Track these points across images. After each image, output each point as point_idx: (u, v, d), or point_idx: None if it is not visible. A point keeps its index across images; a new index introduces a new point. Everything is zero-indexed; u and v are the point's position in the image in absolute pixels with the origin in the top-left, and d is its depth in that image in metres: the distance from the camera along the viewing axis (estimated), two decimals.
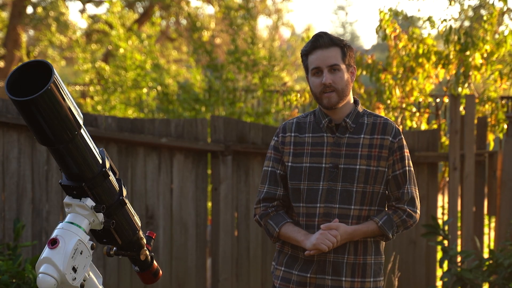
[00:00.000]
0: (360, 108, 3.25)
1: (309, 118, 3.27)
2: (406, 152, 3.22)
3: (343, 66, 3.16)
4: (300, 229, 3.17)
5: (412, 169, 3.24)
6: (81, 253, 2.34)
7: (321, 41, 3.16)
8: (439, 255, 6.31)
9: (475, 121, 6.62)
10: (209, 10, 23.60)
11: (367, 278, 3.19)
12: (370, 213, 3.18)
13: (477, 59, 6.89)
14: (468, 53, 6.86)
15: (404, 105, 7.22)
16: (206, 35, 10.86)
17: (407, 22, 7.89)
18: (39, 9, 17.44)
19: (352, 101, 3.24)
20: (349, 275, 3.16)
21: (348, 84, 3.18)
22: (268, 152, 3.30)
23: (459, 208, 6.53)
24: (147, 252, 2.64)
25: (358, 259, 3.17)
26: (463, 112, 6.59)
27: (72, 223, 2.37)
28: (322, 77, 3.14)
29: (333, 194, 3.14)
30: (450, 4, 9.41)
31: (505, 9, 7.89)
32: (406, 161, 3.21)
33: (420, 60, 7.03)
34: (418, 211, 3.23)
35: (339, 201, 3.14)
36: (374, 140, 3.17)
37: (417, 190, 3.24)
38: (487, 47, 6.89)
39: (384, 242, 3.26)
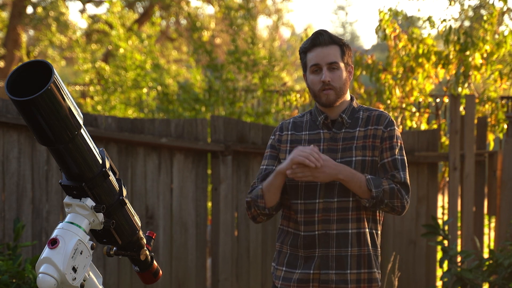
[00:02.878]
0: (355, 103, 3.26)
1: (305, 117, 3.29)
2: (399, 142, 3.19)
3: (342, 65, 3.17)
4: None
5: (404, 158, 3.19)
6: (81, 253, 2.34)
7: (321, 38, 3.17)
8: (439, 255, 6.31)
9: (475, 121, 6.62)
10: (209, 10, 23.61)
11: (373, 268, 3.19)
12: None
13: (477, 59, 6.89)
14: (468, 53, 6.86)
15: (404, 105, 7.22)
16: (206, 35, 10.86)
17: (407, 22, 7.89)
18: (39, 9, 17.43)
19: (348, 98, 3.26)
20: (354, 267, 3.15)
21: (346, 82, 3.20)
22: (265, 152, 3.32)
23: (459, 208, 6.53)
24: (147, 252, 2.64)
25: (363, 250, 3.16)
26: (463, 112, 6.59)
27: (72, 223, 2.37)
28: (321, 74, 3.15)
29: (331, 188, 3.14)
30: (450, 4, 9.42)
31: (505, 9, 7.90)
32: (397, 150, 3.17)
33: (420, 60, 7.03)
34: (408, 199, 3.16)
35: (338, 194, 3.14)
36: (368, 131, 3.18)
37: (408, 179, 3.20)
38: (487, 47, 6.89)
39: (380, 235, 3.25)
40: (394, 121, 3.25)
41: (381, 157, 3.17)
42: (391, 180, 3.14)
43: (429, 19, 7.37)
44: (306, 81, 3.24)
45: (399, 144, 3.20)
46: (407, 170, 3.20)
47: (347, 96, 3.25)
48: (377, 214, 3.23)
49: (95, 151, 2.39)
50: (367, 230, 3.18)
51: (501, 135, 7.05)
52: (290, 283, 3.21)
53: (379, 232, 3.25)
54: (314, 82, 3.18)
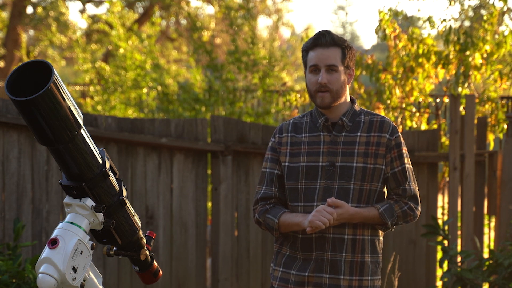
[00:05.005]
0: (357, 107, 3.26)
1: (305, 118, 3.29)
2: (404, 150, 3.23)
3: (341, 68, 3.17)
4: (298, 213, 3.17)
5: (411, 166, 3.25)
6: (81, 253, 2.34)
7: (323, 39, 3.18)
8: (439, 255, 6.31)
9: (475, 121, 6.62)
10: (209, 10, 23.61)
11: (365, 276, 3.19)
12: None
13: (477, 59, 6.89)
14: (468, 53, 6.86)
15: (404, 105, 7.22)
16: (206, 35, 10.86)
17: (407, 22, 7.90)
18: (39, 9, 17.43)
19: (348, 99, 3.26)
20: (347, 273, 3.16)
21: (344, 85, 3.19)
22: (266, 154, 3.32)
23: (459, 208, 6.53)
24: (147, 252, 2.64)
25: (356, 257, 3.17)
26: (463, 112, 6.59)
27: (72, 223, 2.37)
28: (319, 76, 3.16)
29: (330, 192, 3.15)
30: (450, 4, 9.43)
31: (505, 9, 7.90)
32: (405, 159, 3.22)
33: (420, 60, 7.03)
34: (419, 208, 3.25)
35: (336, 199, 3.14)
36: (371, 137, 3.19)
37: (417, 188, 3.26)
38: (487, 47, 6.89)
39: (381, 241, 3.26)
40: (396, 126, 3.26)
41: (391, 166, 3.19)
42: (402, 201, 3.20)
43: (429, 19, 7.37)
44: (305, 79, 3.26)
45: (405, 151, 3.23)
46: (413, 177, 3.25)
47: (347, 98, 3.25)
48: None
49: (95, 151, 2.39)
50: (365, 237, 3.19)
51: (501, 135, 7.05)
52: (287, 285, 3.22)
53: (380, 238, 3.26)
54: (311, 82, 3.19)
